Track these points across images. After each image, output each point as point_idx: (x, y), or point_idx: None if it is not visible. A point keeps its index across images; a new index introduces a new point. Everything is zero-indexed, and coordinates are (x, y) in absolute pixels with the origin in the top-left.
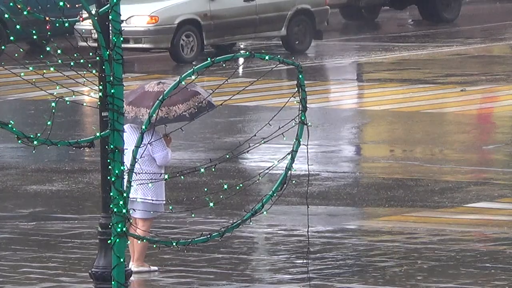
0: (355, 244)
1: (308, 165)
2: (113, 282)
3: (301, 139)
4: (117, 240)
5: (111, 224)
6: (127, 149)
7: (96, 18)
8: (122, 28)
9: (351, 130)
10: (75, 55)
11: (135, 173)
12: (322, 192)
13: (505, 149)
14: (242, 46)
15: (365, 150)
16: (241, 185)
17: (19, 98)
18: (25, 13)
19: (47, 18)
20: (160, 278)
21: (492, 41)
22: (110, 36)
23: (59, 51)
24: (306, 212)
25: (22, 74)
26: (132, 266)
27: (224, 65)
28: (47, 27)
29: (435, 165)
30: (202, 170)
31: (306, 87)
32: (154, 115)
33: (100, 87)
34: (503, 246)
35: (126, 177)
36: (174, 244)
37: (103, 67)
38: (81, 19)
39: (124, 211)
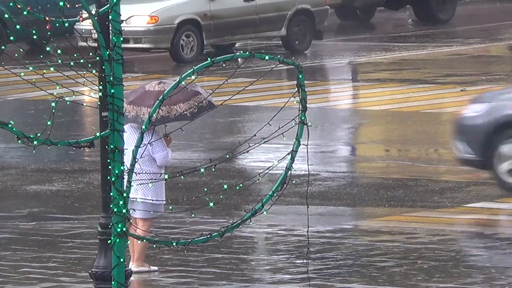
0: (355, 244)
1: (308, 165)
2: (113, 282)
3: (301, 139)
4: (117, 240)
5: (111, 224)
6: (127, 149)
7: (96, 18)
8: (122, 28)
9: (351, 130)
10: (75, 55)
11: (135, 173)
12: (322, 192)
13: None
14: (237, 45)
15: (364, 150)
16: (241, 185)
17: (19, 98)
18: (25, 13)
19: (47, 18)
20: (160, 278)
21: (492, 41)
22: (110, 36)
23: (59, 51)
24: (306, 212)
25: (22, 74)
26: (132, 266)
27: (224, 65)
28: (47, 27)
29: (434, 165)
30: (202, 170)
31: (306, 87)
32: (154, 115)
33: (100, 87)
34: (503, 246)
35: (126, 177)
36: (174, 244)
37: (103, 67)
38: (81, 19)
39: (124, 211)
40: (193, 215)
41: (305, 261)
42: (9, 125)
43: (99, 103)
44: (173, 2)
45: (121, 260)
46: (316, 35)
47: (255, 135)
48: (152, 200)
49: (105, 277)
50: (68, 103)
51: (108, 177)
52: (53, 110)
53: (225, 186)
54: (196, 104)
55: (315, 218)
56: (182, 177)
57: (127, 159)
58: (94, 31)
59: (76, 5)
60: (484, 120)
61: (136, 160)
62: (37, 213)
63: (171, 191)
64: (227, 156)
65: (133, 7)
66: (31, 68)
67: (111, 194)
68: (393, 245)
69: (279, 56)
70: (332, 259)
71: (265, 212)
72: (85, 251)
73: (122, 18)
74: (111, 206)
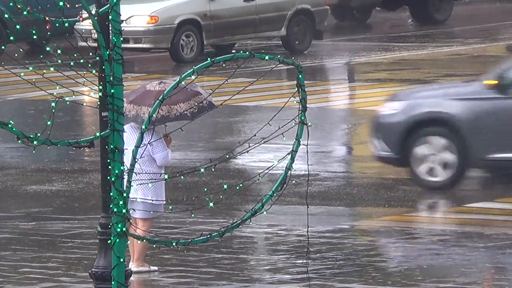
0: (355, 244)
1: (308, 165)
2: (113, 282)
3: (301, 139)
4: (117, 240)
5: (111, 224)
6: (127, 149)
7: (96, 18)
8: (122, 28)
9: (351, 130)
10: (75, 55)
11: (135, 173)
12: (322, 192)
13: None
14: (236, 45)
15: (364, 150)
16: (241, 185)
17: (19, 98)
18: (25, 13)
19: (47, 18)
20: (160, 278)
21: (492, 41)
22: (110, 36)
23: (59, 51)
24: (306, 212)
25: (22, 74)
26: (132, 266)
27: (224, 65)
28: (47, 27)
29: None
30: (202, 170)
31: (306, 87)
32: (154, 115)
33: (100, 87)
34: (503, 246)
35: (126, 177)
36: (174, 244)
37: (103, 67)
38: (81, 19)
39: (124, 211)
40: (193, 215)
41: (305, 261)
42: (9, 125)
43: (99, 103)
44: (173, 2)
45: (121, 260)
46: (316, 35)
47: (255, 135)
48: (152, 200)
49: (105, 277)
50: (68, 103)
51: (108, 177)
52: (53, 110)
53: (225, 186)
54: (197, 104)
55: (315, 218)
56: (182, 177)
57: (127, 159)
58: (94, 31)
59: (76, 5)
60: (400, 118)
61: (136, 160)
62: (37, 213)
63: (171, 191)
64: (227, 156)
65: (133, 7)
66: (31, 68)
67: (111, 194)
68: (393, 245)
69: (279, 56)
70: (332, 259)
71: (265, 212)
72: (85, 251)
73: (122, 18)
74: (111, 206)
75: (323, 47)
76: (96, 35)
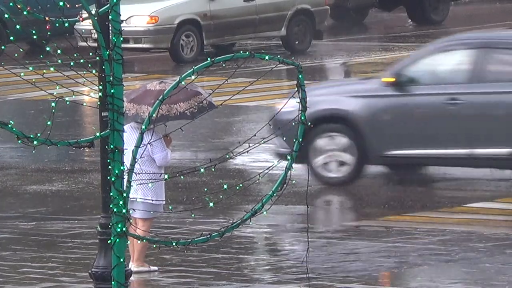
0: (355, 244)
1: (308, 165)
2: (113, 282)
3: (301, 139)
4: (117, 240)
5: (111, 224)
6: (127, 149)
7: (96, 18)
8: (122, 28)
9: None
10: (75, 55)
11: (135, 173)
12: (322, 192)
13: None
14: (236, 45)
15: None
16: (241, 185)
17: (19, 98)
18: (25, 13)
19: (47, 18)
20: (160, 278)
21: None
22: (110, 36)
23: (59, 51)
24: (306, 212)
25: (22, 74)
26: (132, 266)
27: (224, 65)
28: (47, 27)
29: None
30: (202, 170)
31: (306, 87)
32: (154, 114)
33: (100, 87)
34: (503, 246)
35: (126, 177)
36: (174, 244)
37: (103, 67)
38: (81, 19)
39: (124, 211)
40: (193, 215)
41: (305, 261)
42: (9, 125)
43: (99, 103)
44: (173, 2)
45: (121, 260)
46: (316, 35)
47: (255, 135)
48: (152, 200)
49: (105, 277)
50: (68, 103)
51: (108, 177)
52: (53, 110)
53: (225, 186)
54: (197, 104)
55: (315, 218)
56: (182, 177)
57: (127, 159)
58: (94, 31)
59: (76, 5)
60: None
61: (136, 160)
62: (37, 213)
63: (171, 191)
64: (227, 156)
65: (133, 7)
66: (31, 68)
67: (111, 194)
68: (393, 245)
69: (279, 56)
70: (332, 259)
71: (265, 212)
72: (85, 251)
73: (122, 18)
74: (111, 206)
75: (323, 47)
76: (96, 35)
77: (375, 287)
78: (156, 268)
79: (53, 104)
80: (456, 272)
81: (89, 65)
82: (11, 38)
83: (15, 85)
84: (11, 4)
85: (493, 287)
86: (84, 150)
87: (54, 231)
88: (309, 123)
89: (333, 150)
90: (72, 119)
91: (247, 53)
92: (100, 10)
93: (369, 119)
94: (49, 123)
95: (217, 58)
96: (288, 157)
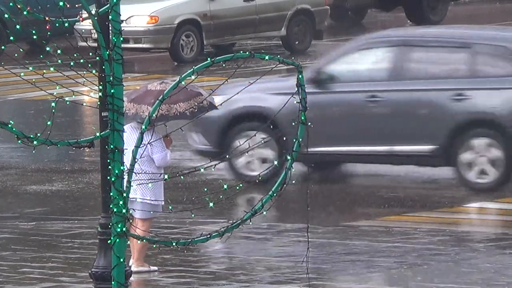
0: (355, 244)
1: (308, 165)
2: (113, 282)
3: (301, 139)
4: (117, 240)
5: (111, 224)
6: (127, 149)
7: (96, 18)
8: (122, 28)
9: None
10: (75, 55)
11: (134, 173)
12: (322, 192)
13: None
14: (236, 45)
15: None
16: (241, 185)
17: (19, 98)
18: (25, 13)
19: (47, 18)
20: (160, 278)
21: None
22: (110, 36)
23: (59, 51)
24: (306, 212)
25: (22, 74)
26: (132, 266)
27: (224, 65)
28: (47, 27)
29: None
30: (202, 170)
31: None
32: (154, 114)
33: (100, 87)
34: (503, 246)
35: (126, 177)
36: (174, 244)
37: (103, 67)
38: (81, 19)
39: (124, 211)
40: (193, 215)
41: (305, 261)
42: (9, 125)
43: (99, 103)
44: (173, 2)
45: (121, 260)
46: (316, 35)
47: (255, 135)
48: (151, 200)
49: (105, 277)
50: (68, 103)
51: (108, 177)
52: (53, 110)
53: (225, 186)
54: (197, 104)
55: (315, 218)
56: (182, 177)
57: (127, 159)
58: (94, 31)
59: (76, 5)
60: (219, 112)
61: (136, 160)
62: (37, 213)
63: (171, 191)
64: (227, 156)
65: (133, 7)
66: (31, 68)
67: (111, 194)
68: (393, 245)
69: (279, 56)
70: (332, 259)
71: (265, 212)
72: (85, 251)
73: (122, 18)
74: (111, 206)
75: (323, 47)
76: (96, 35)
77: (375, 287)
78: (156, 268)
79: (53, 104)
80: (456, 272)
81: (89, 65)
82: (11, 38)
83: (15, 85)
84: (11, 4)
85: (493, 287)
86: (84, 150)
87: (54, 231)
88: (309, 123)
89: (254, 149)
90: (72, 119)
91: (247, 53)
92: (100, 10)
93: (289, 116)
94: (49, 123)
95: (217, 58)
96: (288, 157)
